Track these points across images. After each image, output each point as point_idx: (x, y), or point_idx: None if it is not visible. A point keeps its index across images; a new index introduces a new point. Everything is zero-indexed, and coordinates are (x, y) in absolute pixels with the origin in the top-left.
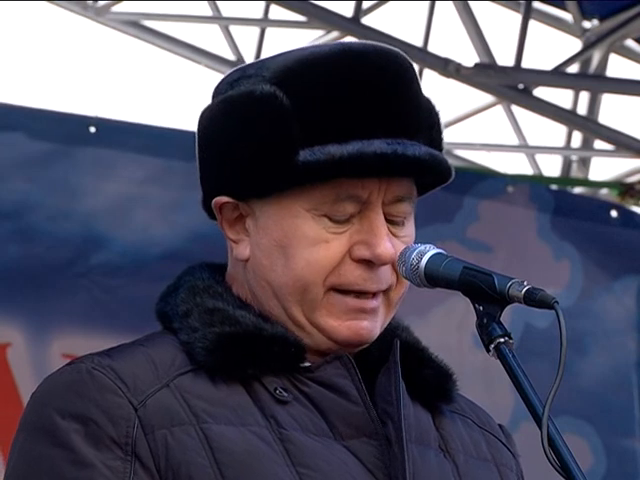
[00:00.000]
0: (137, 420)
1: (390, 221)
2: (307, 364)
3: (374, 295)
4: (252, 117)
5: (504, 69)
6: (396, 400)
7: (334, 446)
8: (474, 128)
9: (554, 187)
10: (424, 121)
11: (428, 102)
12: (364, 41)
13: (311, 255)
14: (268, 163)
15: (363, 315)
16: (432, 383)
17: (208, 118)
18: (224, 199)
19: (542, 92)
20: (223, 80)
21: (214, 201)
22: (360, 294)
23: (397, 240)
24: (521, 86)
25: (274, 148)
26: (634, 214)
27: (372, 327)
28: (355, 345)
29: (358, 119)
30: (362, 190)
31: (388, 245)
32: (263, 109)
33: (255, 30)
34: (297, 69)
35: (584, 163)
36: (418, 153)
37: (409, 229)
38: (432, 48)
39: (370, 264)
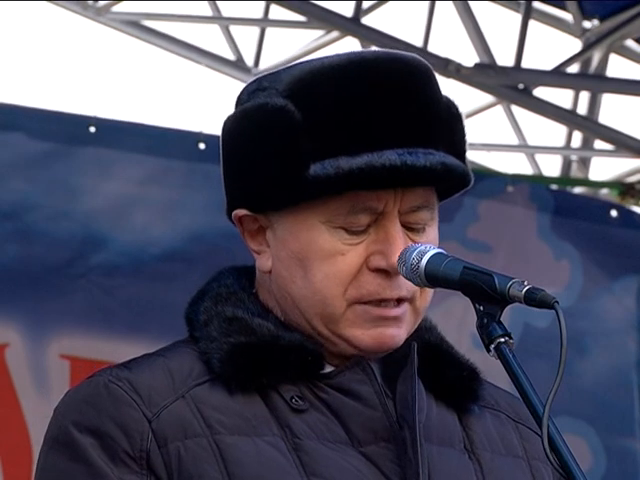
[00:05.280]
0: (151, 433)
1: (410, 228)
2: (327, 370)
3: (398, 303)
4: (264, 131)
5: (504, 69)
6: (412, 404)
7: (350, 453)
8: (474, 128)
9: (554, 187)
10: (443, 125)
11: (448, 105)
12: (378, 49)
13: (329, 268)
14: (280, 177)
15: (386, 322)
16: (456, 383)
17: (227, 129)
18: (242, 212)
19: (542, 92)
20: (245, 89)
21: (233, 214)
22: (381, 302)
23: None
24: (521, 86)
25: (285, 163)
26: (634, 214)
27: (396, 334)
28: (380, 352)
29: (368, 130)
30: (377, 201)
31: None
32: (275, 123)
33: (255, 30)
34: (308, 81)
35: (584, 163)
36: (429, 163)
37: (431, 234)
38: (432, 48)
39: (387, 273)
